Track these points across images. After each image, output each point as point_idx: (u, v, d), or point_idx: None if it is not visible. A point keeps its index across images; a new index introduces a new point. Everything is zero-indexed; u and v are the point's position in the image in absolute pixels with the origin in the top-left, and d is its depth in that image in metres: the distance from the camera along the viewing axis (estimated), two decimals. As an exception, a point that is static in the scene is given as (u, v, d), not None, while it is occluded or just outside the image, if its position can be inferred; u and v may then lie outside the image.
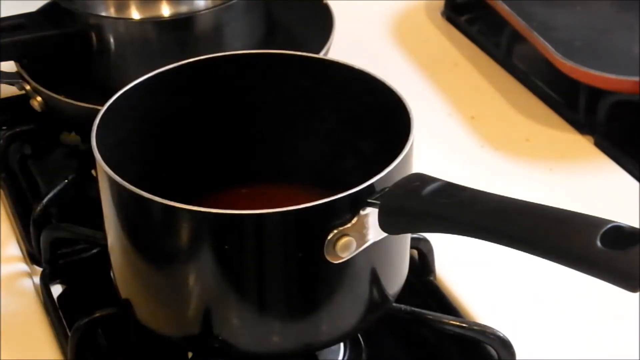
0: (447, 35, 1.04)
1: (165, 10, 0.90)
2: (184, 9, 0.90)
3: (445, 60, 1.00)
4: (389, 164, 0.55)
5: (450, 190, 0.53)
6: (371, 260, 0.57)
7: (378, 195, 0.54)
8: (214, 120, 0.68)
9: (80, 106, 0.78)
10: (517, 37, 0.95)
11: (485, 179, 0.78)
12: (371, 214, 0.54)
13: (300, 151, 0.69)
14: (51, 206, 0.77)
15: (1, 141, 0.84)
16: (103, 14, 0.88)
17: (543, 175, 0.83)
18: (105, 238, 0.61)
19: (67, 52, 0.82)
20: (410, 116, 0.59)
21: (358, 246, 0.55)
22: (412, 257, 0.66)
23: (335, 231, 0.54)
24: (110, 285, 0.63)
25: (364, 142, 0.66)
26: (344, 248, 0.54)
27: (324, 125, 0.68)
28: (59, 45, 0.82)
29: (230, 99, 0.68)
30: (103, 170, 0.56)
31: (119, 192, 0.56)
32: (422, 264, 0.72)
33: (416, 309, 0.65)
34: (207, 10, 0.84)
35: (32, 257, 0.75)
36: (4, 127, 0.88)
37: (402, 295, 0.63)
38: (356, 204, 0.54)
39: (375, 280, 0.59)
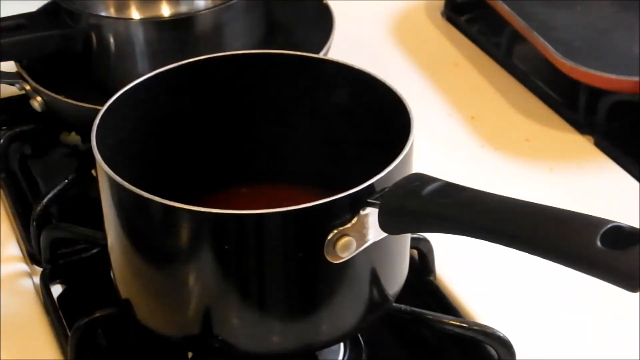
0: (447, 35, 1.04)
1: (165, 10, 0.90)
2: (184, 9, 0.90)
3: (445, 60, 1.00)
4: (389, 164, 0.55)
5: (450, 190, 0.53)
6: (371, 260, 0.57)
7: (378, 195, 0.54)
8: (214, 120, 0.68)
9: (80, 106, 0.78)
10: (517, 37, 0.95)
11: (485, 179, 0.78)
12: (371, 214, 0.54)
13: (300, 151, 0.69)
14: (51, 206, 0.77)
15: (1, 141, 0.84)
16: (103, 14, 0.88)
17: (543, 175, 0.83)
18: (105, 238, 0.61)
19: (67, 52, 0.82)
20: (410, 116, 0.59)
21: (358, 246, 0.55)
22: (412, 257, 0.66)
23: (335, 231, 0.54)
24: (110, 285, 0.63)
25: (363, 142, 0.66)
26: (344, 248, 0.54)
27: (324, 125, 0.68)
28: (59, 45, 0.82)
29: (230, 99, 0.68)
30: (103, 170, 0.56)
31: (119, 192, 0.56)
32: (422, 264, 0.72)
33: (416, 309, 0.65)
34: (207, 10, 0.84)
35: (32, 257, 0.75)
36: (4, 127, 0.88)
37: (402, 295, 0.63)
38: (356, 204, 0.54)
39: (375, 280, 0.59)
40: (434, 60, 1.00)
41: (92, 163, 0.58)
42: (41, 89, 0.81)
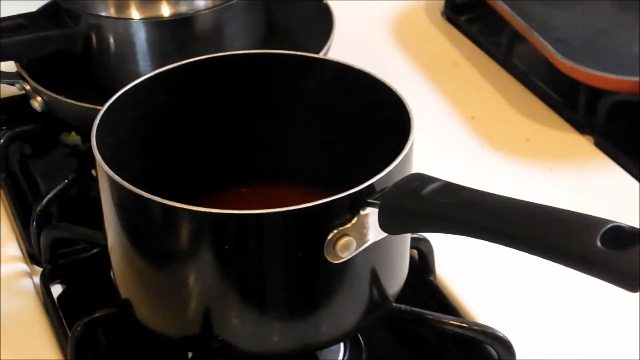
0: (447, 35, 1.04)
1: (165, 10, 0.90)
2: (184, 9, 0.90)
3: (445, 60, 1.00)
4: (389, 164, 0.55)
5: (450, 190, 0.53)
6: (371, 260, 0.57)
7: (378, 195, 0.54)
8: (214, 120, 0.68)
9: (80, 106, 0.78)
10: (517, 37, 0.95)
11: (485, 179, 0.78)
12: (371, 214, 0.54)
13: (300, 151, 0.69)
14: (51, 206, 0.77)
15: (1, 141, 0.84)
16: (103, 14, 0.88)
17: (543, 175, 0.83)
18: (105, 238, 0.61)
19: (67, 52, 0.82)
20: (410, 116, 0.59)
21: (358, 246, 0.55)
22: (412, 257, 0.66)
23: (335, 231, 0.54)
24: (110, 285, 0.63)
25: (364, 142, 0.66)
26: (344, 248, 0.54)
27: (323, 125, 0.68)
28: (59, 45, 0.82)
29: (230, 99, 0.68)
30: (103, 170, 0.56)
31: (119, 192, 0.56)
32: (422, 264, 0.72)
33: (416, 309, 0.65)
34: (207, 10, 0.84)
35: (32, 257, 0.75)
36: (4, 127, 0.88)
37: (402, 295, 0.63)
38: (356, 204, 0.54)
39: (375, 280, 0.59)
40: (434, 60, 1.00)
41: (92, 163, 0.58)
42: (41, 89, 0.81)
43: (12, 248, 0.77)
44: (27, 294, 0.73)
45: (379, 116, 0.64)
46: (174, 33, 0.81)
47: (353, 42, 0.96)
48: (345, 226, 0.54)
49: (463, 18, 1.05)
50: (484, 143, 0.87)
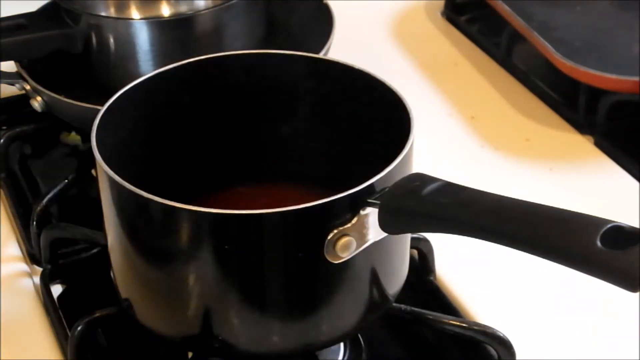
0: (447, 35, 1.04)
1: (165, 10, 0.90)
2: (184, 9, 0.90)
3: (445, 60, 1.00)
4: (389, 164, 0.55)
5: (450, 190, 0.53)
6: (371, 260, 0.57)
7: (378, 195, 0.54)
8: (214, 120, 0.68)
9: (80, 106, 0.78)
10: (517, 37, 0.95)
11: (485, 179, 0.78)
12: (371, 214, 0.54)
13: (300, 151, 0.69)
14: (51, 206, 0.77)
15: (1, 141, 0.84)
16: (103, 14, 0.88)
17: (543, 175, 0.83)
18: (105, 238, 0.61)
19: (67, 52, 0.82)
20: (410, 116, 0.59)
21: (358, 246, 0.55)
22: (412, 257, 0.66)
23: (335, 231, 0.54)
24: (110, 285, 0.63)
25: (364, 142, 0.66)
26: (344, 248, 0.54)
27: (324, 125, 0.68)
28: (59, 45, 0.82)
29: (230, 99, 0.68)
30: (103, 170, 0.56)
31: (119, 192, 0.56)
32: (422, 264, 0.72)
33: (416, 309, 0.65)
34: (207, 10, 0.84)
35: (32, 257, 0.75)
36: (4, 127, 0.88)
37: (402, 295, 0.63)
38: (356, 204, 0.54)
39: (375, 280, 0.59)
40: (434, 60, 1.00)
41: (92, 163, 0.58)
42: (41, 89, 0.81)
43: (12, 248, 0.77)
44: (27, 294, 0.73)
45: (379, 116, 0.64)
46: (174, 33, 0.81)
47: (353, 42, 0.96)
48: (345, 226, 0.54)
49: (463, 18, 1.05)
50: (484, 143, 0.87)
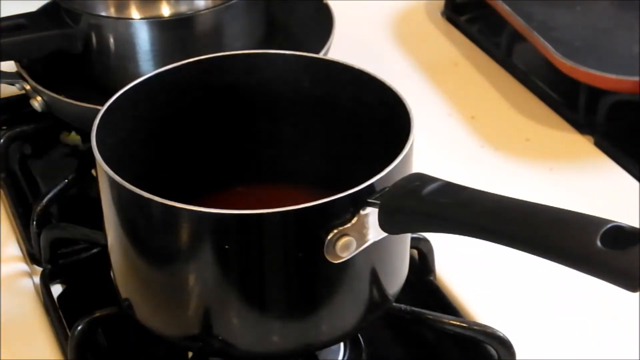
0: (447, 35, 1.04)
1: (165, 10, 0.90)
2: (184, 8, 0.90)
3: (445, 60, 1.00)
4: (389, 164, 0.55)
5: (450, 190, 0.53)
6: (371, 260, 0.57)
7: (378, 195, 0.54)
8: (214, 120, 0.68)
9: (80, 106, 0.78)
10: (517, 37, 0.95)
11: (485, 179, 0.78)
12: (371, 214, 0.54)
13: (300, 151, 0.69)
14: (51, 206, 0.77)
15: (1, 141, 0.84)
16: (103, 14, 0.88)
17: (543, 175, 0.83)
18: (105, 238, 0.61)
19: (67, 52, 0.82)
20: (410, 116, 0.59)
21: (358, 246, 0.55)
22: (412, 257, 0.66)
23: (335, 231, 0.54)
24: (110, 285, 0.63)
25: (364, 142, 0.66)
26: (344, 248, 0.54)
27: (324, 125, 0.68)
28: (59, 45, 0.82)
29: (230, 98, 0.68)
30: (103, 170, 0.56)
31: (119, 192, 0.56)
32: (422, 264, 0.72)
33: (416, 309, 0.65)
34: (207, 10, 0.84)
35: (32, 257, 0.75)
36: (4, 127, 0.88)
37: (402, 295, 0.63)
38: (356, 203, 0.54)
39: (375, 280, 0.59)
40: (434, 60, 1.00)
41: (92, 163, 0.58)
42: (41, 88, 0.81)
43: (12, 248, 0.77)
44: (27, 294, 0.73)
45: (379, 116, 0.64)
46: (174, 33, 0.81)
47: (353, 42, 0.97)
48: (345, 226, 0.54)
49: (463, 18, 1.05)
50: (484, 143, 0.87)
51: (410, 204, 0.53)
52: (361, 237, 0.55)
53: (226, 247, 0.55)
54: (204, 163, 0.69)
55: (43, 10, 0.86)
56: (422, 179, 0.54)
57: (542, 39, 0.89)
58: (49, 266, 0.73)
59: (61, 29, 0.82)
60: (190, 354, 0.66)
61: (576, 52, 0.88)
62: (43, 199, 0.76)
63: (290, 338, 0.58)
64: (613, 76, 0.84)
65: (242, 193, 0.70)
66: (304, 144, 0.69)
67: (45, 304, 0.71)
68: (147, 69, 0.77)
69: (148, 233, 0.57)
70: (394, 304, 0.62)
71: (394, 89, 0.61)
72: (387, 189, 0.54)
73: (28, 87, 0.82)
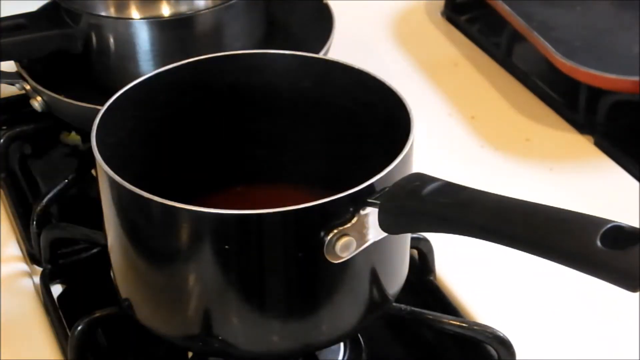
0: (447, 35, 1.04)
1: (165, 10, 0.90)
2: (184, 8, 0.90)
3: (445, 60, 1.00)
4: (389, 164, 0.55)
5: (450, 190, 0.53)
6: (371, 260, 0.57)
7: (378, 195, 0.54)
8: (214, 120, 0.68)
9: (80, 106, 0.78)
10: (517, 37, 0.95)
11: (485, 179, 0.78)
12: (371, 214, 0.54)
13: (300, 151, 0.69)
14: (51, 206, 0.77)
15: (1, 141, 0.84)
16: (103, 14, 0.88)
17: (543, 175, 0.83)
18: (105, 238, 0.61)
19: (67, 52, 0.82)
20: (410, 116, 0.59)
21: (358, 246, 0.55)
22: (412, 257, 0.66)
23: (335, 231, 0.54)
24: (110, 285, 0.63)
25: (364, 142, 0.66)
26: (344, 248, 0.54)
27: (324, 125, 0.68)
28: (59, 45, 0.82)
29: (230, 99, 0.68)
30: (103, 170, 0.56)
31: (119, 192, 0.56)
32: (422, 264, 0.72)
33: (416, 309, 0.65)
34: (207, 10, 0.84)
35: (32, 257, 0.75)
36: (4, 127, 0.88)
37: (402, 295, 0.63)
38: (356, 203, 0.54)
39: (375, 280, 0.59)
40: (434, 60, 1.00)
41: (92, 163, 0.58)
42: (41, 88, 0.81)
43: (12, 248, 0.77)
44: (27, 294, 0.73)
45: (379, 116, 0.64)
46: (174, 33, 0.81)
47: (353, 42, 0.97)
48: (345, 226, 0.54)
49: (463, 18, 1.05)
50: (484, 143, 0.87)
51: (410, 204, 0.53)
52: (361, 237, 0.55)
53: (226, 247, 0.55)
54: (204, 163, 0.69)
55: (43, 10, 0.86)
56: (422, 179, 0.54)
57: (542, 39, 0.89)
58: (49, 266, 0.73)
59: (61, 29, 0.82)
60: (190, 354, 0.66)
61: (576, 52, 0.88)
62: (43, 199, 0.76)
63: (290, 338, 0.58)
64: (613, 76, 0.84)
65: (242, 193, 0.70)
66: (304, 144, 0.69)
67: (45, 304, 0.71)
68: (147, 69, 0.77)
69: (148, 233, 0.57)
70: (394, 304, 0.62)
71: (394, 89, 0.61)
72: (387, 189, 0.54)
73: (28, 87, 0.82)
